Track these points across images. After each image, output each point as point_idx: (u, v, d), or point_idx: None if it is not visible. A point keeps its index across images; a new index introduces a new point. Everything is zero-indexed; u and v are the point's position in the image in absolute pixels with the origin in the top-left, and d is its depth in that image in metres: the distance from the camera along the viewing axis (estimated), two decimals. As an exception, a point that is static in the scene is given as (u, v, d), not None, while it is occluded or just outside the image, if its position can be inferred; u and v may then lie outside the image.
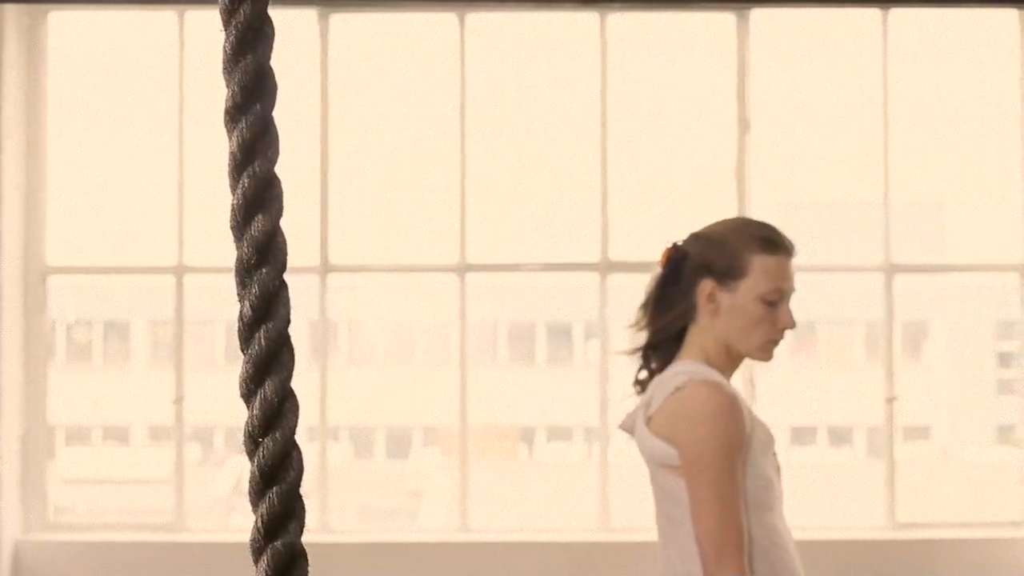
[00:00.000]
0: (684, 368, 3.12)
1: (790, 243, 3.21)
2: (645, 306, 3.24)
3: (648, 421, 3.12)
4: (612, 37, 7.02)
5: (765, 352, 3.20)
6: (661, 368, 3.20)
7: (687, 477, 3.01)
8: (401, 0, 7.02)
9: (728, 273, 3.14)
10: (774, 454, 3.14)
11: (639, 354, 3.26)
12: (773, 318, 3.15)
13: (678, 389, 3.07)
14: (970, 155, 8.02)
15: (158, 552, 6.82)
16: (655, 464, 3.11)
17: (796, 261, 3.26)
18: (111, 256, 7.67)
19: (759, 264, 3.14)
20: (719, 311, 3.14)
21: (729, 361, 3.18)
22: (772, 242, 3.18)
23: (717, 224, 3.26)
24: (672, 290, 3.20)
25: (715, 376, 3.09)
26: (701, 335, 3.16)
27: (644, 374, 3.24)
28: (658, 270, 3.25)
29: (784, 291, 3.16)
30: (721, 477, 2.96)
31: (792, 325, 3.18)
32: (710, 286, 3.14)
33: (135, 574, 6.78)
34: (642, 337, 3.24)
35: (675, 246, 3.22)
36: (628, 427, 3.23)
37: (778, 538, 3.07)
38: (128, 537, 6.95)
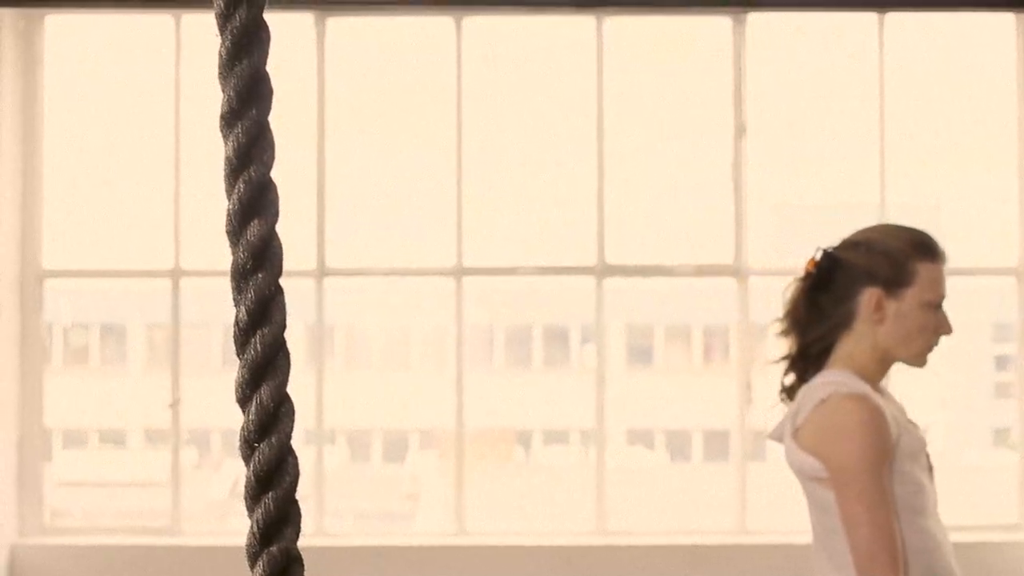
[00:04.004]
0: (831, 378, 3.11)
1: (943, 249, 3.20)
2: (792, 314, 3.21)
3: (795, 433, 3.12)
4: (608, 41, 7.02)
5: (923, 358, 3.21)
6: (809, 376, 3.18)
7: (836, 490, 3.02)
8: (398, 4, 7.02)
9: (895, 281, 3.12)
10: (926, 456, 3.14)
11: (786, 362, 3.24)
12: (935, 325, 3.16)
13: (822, 401, 3.07)
14: (966, 158, 8.02)
15: (155, 555, 6.81)
16: (804, 476, 3.12)
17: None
18: (107, 259, 7.66)
19: (925, 271, 3.14)
20: (885, 319, 3.12)
21: (881, 369, 3.18)
22: (931, 248, 3.18)
23: (870, 231, 3.24)
24: (823, 298, 3.18)
25: (860, 387, 3.08)
26: (855, 343, 3.14)
27: (790, 379, 3.23)
28: (799, 277, 3.21)
29: (944, 297, 3.17)
30: (869, 488, 2.97)
31: (951, 331, 3.19)
32: (877, 294, 3.12)
33: (131, 578, 6.78)
34: (789, 345, 3.22)
35: (826, 253, 3.20)
36: (777, 436, 3.22)
37: (933, 541, 3.07)
38: (125, 540, 6.95)
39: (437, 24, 7.11)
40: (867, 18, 7.03)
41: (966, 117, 7.93)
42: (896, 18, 7.02)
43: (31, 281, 6.95)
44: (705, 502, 9.24)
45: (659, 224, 7.90)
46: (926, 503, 3.09)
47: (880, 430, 3.02)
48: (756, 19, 7.03)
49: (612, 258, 7.01)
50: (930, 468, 3.16)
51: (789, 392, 3.23)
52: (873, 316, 3.13)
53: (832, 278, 3.17)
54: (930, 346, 3.19)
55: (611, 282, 7.05)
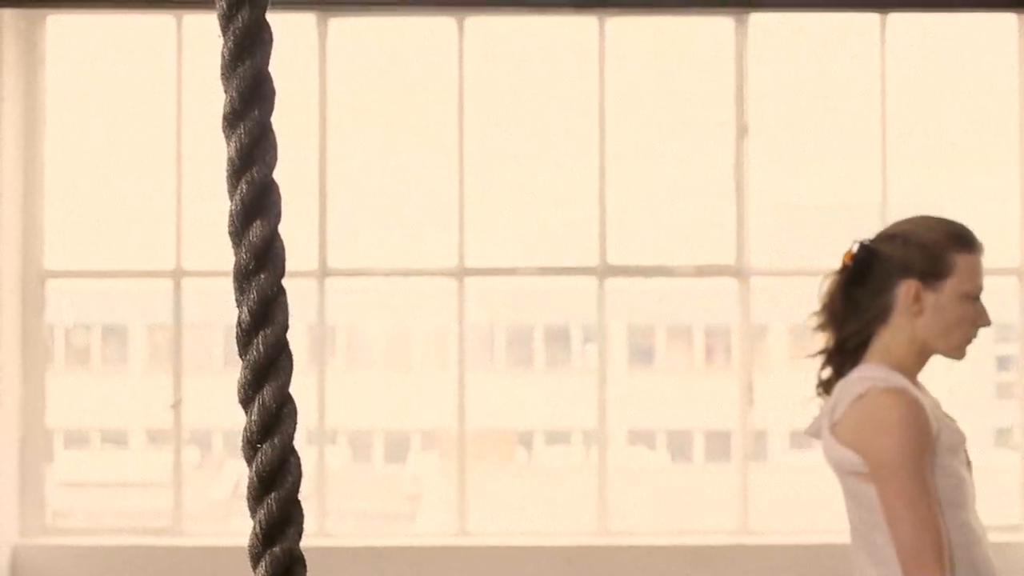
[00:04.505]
0: (868, 373, 3.09)
1: (980, 240, 3.18)
2: (829, 308, 3.19)
3: (833, 428, 3.10)
4: (610, 41, 7.02)
5: (961, 351, 3.19)
6: (846, 370, 3.16)
7: (877, 485, 3.00)
8: (399, 4, 7.02)
9: (933, 273, 3.10)
10: (964, 451, 3.13)
11: (822, 357, 3.22)
12: (973, 316, 3.14)
13: (860, 396, 3.05)
14: (968, 159, 8.02)
15: (156, 556, 6.81)
16: (842, 471, 3.10)
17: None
18: (109, 260, 7.66)
19: (963, 262, 3.11)
20: (923, 311, 3.10)
21: (919, 362, 3.16)
22: (968, 240, 3.15)
23: (906, 223, 3.21)
24: (859, 291, 3.15)
25: (898, 381, 3.07)
26: (892, 336, 3.12)
27: (827, 373, 3.21)
28: (835, 270, 3.19)
29: (982, 288, 3.15)
30: (910, 483, 2.96)
31: (990, 322, 3.17)
32: (915, 286, 3.10)
33: (133, 578, 6.78)
34: (825, 339, 3.20)
35: (863, 246, 3.17)
36: (814, 432, 3.20)
37: (973, 535, 3.06)
38: (126, 541, 6.95)
39: (439, 24, 7.11)
40: (869, 19, 7.02)
41: (967, 117, 7.93)
42: (898, 19, 7.02)
43: (33, 281, 6.95)
44: (707, 502, 9.25)
45: (661, 224, 7.91)
46: (965, 498, 3.08)
47: (920, 424, 3.00)
48: (758, 19, 7.03)
49: (614, 258, 7.01)
50: (968, 463, 3.15)
51: (826, 386, 3.21)
52: (911, 308, 3.10)
53: (869, 271, 3.14)
54: (968, 338, 3.17)
55: (613, 282, 7.05)
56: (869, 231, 3.25)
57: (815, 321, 3.21)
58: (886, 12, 6.96)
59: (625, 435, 15.03)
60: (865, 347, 3.15)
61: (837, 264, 3.21)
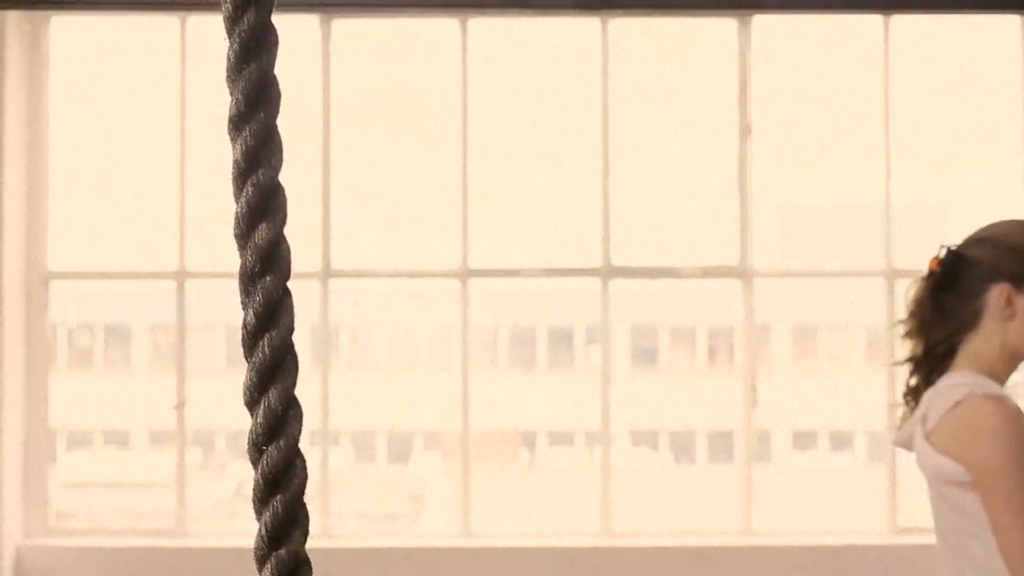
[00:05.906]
0: (961, 380, 3.06)
1: None
2: (917, 314, 3.14)
3: (928, 436, 3.06)
4: (614, 43, 7.02)
5: None
6: (934, 378, 3.13)
7: (981, 494, 2.96)
8: (403, 5, 7.02)
9: None
10: None
11: (910, 364, 3.17)
12: None
13: (958, 404, 3.01)
14: (972, 160, 8.02)
15: (159, 557, 6.81)
16: (940, 481, 3.04)
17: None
18: (112, 261, 7.66)
19: None
20: (1015, 315, 3.06)
21: (1008, 368, 3.12)
22: None
23: (994, 227, 3.17)
24: (948, 297, 3.11)
25: (995, 388, 3.04)
26: (982, 342, 3.08)
27: (914, 380, 3.17)
28: (922, 276, 3.15)
29: None
30: (1017, 490, 2.91)
31: None
32: (1008, 290, 3.06)
33: (136, 579, 6.78)
34: (912, 347, 3.16)
35: (951, 251, 3.13)
36: (904, 443, 3.16)
37: None
38: (130, 542, 6.95)
39: (442, 26, 7.11)
40: (872, 20, 7.02)
41: (971, 118, 7.92)
42: (901, 20, 7.02)
43: (36, 283, 6.95)
44: (710, 503, 9.24)
45: (664, 226, 7.90)
46: None
47: (1022, 431, 2.97)
48: (761, 21, 7.03)
49: (617, 259, 7.01)
50: None
51: (914, 394, 3.18)
52: (1003, 312, 3.06)
53: (958, 276, 3.10)
54: None
55: (616, 283, 7.05)
56: (956, 238, 3.20)
57: (902, 329, 3.17)
58: (889, 13, 6.96)
59: (628, 436, 15.00)
60: (952, 354, 3.11)
61: (924, 270, 3.17)
